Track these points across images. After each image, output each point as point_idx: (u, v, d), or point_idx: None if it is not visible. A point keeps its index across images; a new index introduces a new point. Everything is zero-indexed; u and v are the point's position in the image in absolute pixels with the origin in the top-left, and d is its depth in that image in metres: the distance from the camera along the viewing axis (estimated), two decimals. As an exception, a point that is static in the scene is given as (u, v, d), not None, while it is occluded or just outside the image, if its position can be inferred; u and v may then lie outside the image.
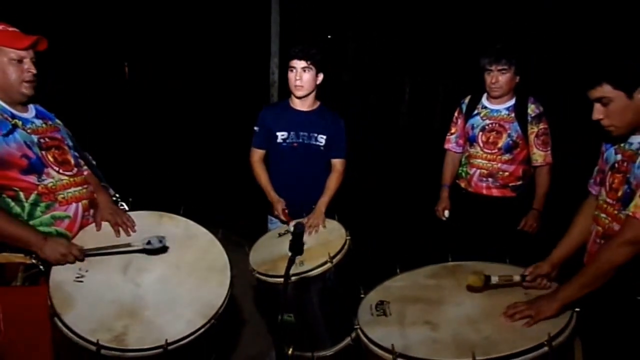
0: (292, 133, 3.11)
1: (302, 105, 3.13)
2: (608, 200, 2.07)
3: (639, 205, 1.83)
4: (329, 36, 9.64)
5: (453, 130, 3.58)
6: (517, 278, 2.07)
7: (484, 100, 3.40)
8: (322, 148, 3.12)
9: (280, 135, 3.11)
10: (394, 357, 1.75)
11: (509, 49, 3.21)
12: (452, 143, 3.59)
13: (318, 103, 3.18)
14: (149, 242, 2.17)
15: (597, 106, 1.97)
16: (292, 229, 2.41)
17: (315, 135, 3.11)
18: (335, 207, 3.05)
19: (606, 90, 1.92)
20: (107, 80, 9.38)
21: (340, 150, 3.16)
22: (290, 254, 2.06)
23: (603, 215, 2.09)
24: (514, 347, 1.67)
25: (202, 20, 8.96)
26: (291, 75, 3.02)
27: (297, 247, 2.11)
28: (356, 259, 2.64)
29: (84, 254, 2.17)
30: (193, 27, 8.97)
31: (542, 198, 3.32)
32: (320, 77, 3.07)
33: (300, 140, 3.11)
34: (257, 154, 3.18)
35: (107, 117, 8.22)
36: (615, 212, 2.00)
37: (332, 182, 3.10)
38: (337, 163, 3.15)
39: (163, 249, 2.24)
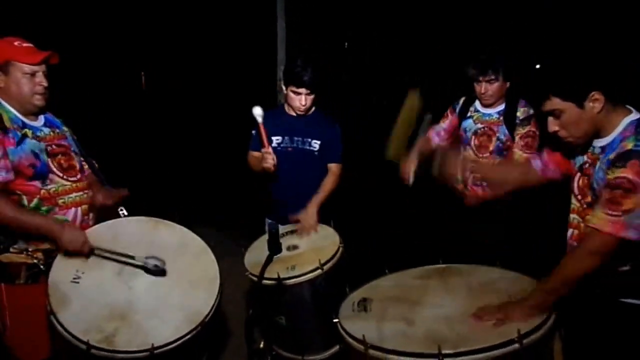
0: (286, 138, 3.16)
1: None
2: (579, 204, 2.08)
3: (601, 216, 1.81)
4: (345, 44, 9.69)
5: (440, 122, 3.56)
6: None
7: (477, 104, 3.41)
8: (316, 153, 3.15)
9: (275, 140, 3.15)
10: (366, 348, 1.79)
11: (494, 58, 3.22)
12: (433, 132, 3.52)
13: (313, 108, 3.21)
14: (154, 265, 2.25)
15: (551, 119, 1.98)
16: (267, 228, 2.45)
17: (309, 140, 3.15)
18: (334, 207, 3.08)
19: (556, 103, 1.92)
20: (123, 87, 9.55)
21: (335, 154, 3.19)
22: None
23: (578, 217, 2.10)
24: (483, 342, 1.70)
25: (209, 29, 9.07)
26: (295, 98, 3.04)
27: (274, 246, 2.17)
28: (352, 261, 2.66)
29: (92, 251, 2.26)
30: (199, 35, 9.09)
31: None
32: None
33: (295, 145, 3.15)
34: (254, 157, 3.22)
35: (114, 119, 8.34)
36: (588, 216, 2.00)
37: (327, 184, 3.12)
38: (333, 167, 3.18)
39: (161, 272, 2.30)
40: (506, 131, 3.26)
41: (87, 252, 2.23)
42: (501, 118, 3.28)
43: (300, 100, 3.03)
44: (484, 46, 3.44)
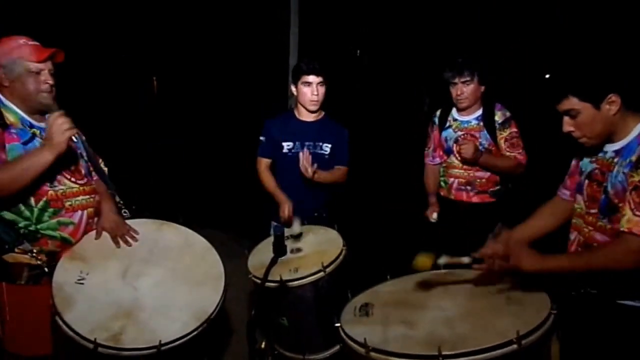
0: (297, 143, 3.20)
1: (307, 116, 3.22)
2: (588, 210, 2.08)
3: (633, 220, 1.82)
4: (357, 51, 9.76)
5: (429, 145, 3.68)
6: (465, 260, 2.09)
7: (454, 112, 3.49)
8: (326, 156, 3.21)
9: (286, 146, 3.20)
10: (367, 351, 1.81)
11: (470, 61, 3.30)
12: (429, 157, 3.70)
13: (322, 113, 3.27)
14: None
15: (566, 119, 2.00)
16: (272, 231, 2.47)
17: (320, 144, 3.20)
18: (337, 211, 3.13)
19: (573, 102, 1.94)
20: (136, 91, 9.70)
21: (343, 158, 3.26)
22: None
23: (580, 220, 2.11)
24: (482, 342, 1.71)
25: (222, 35, 9.18)
26: (307, 90, 3.09)
27: (279, 248, 2.19)
28: (354, 265, 2.67)
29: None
30: (212, 42, 9.20)
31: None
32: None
33: (306, 149, 3.18)
34: (264, 163, 3.28)
35: (125, 122, 8.47)
36: (596, 221, 2.02)
37: (335, 172, 3.21)
38: (341, 169, 3.26)
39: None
40: (488, 136, 3.33)
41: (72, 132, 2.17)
42: (481, 124, 3.35)
43: (312, 90, 3.08)
44: (490, 54, 3.47)
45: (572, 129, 2.00)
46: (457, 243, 3.25)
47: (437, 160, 3.64)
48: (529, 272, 1.87)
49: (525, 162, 3.33)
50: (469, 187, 3.42)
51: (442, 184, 3.58)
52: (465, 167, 3.40)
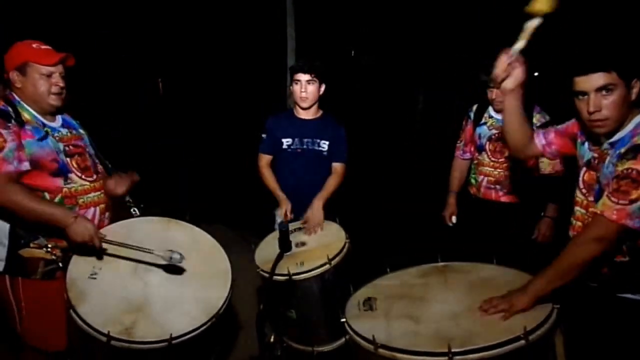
0: (296, 140, 3.28)
1: (306, 114, 3.30)
2: (584, 197, 2.12)
3: (607, 204, 1.86)
4: (352, 52, 9.84)
5: (461, 138, 3.67)
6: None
7: (491, 110, 3.45)
8: (324, 153, 3.28)
9: (286, 142, 3.28)
10: (375, 348, 1.81)
11: None
12: (459, 150, 3.69)
13: (321, 111, 3.35)
14: (170, 258, 2.24)
15: (596, 97, 1.91)
16: (277, 227, 2.51)
17: (318, 141, 3.27)
18: (339, 204, 3.17)
19: (613, 77, 1.88)
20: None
21: (340, 154, 3.30)
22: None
23: (583, 210, 2.13)
24: (490, 339, 1.72)
25: (223, 39, 9.28)
26: (296, 88, 3.20)
27: (284, 244, 2.23)
28: (356, 260, 2.71)
29: (102, 244, 2.28)
30: (214, 45, 9.29)
31: (554, 206, 3.33)
32: (323, 87, 3.25)
33: (305, 146, 3.27)
34: (264, 159, 3.34)
35: (133, 123, 8.54)
36: (592, 208, 2.05)
37: (331, 182, 3.23)
38: (338, 166, 3.29)
39: (178, 268, 2.34)
40: None
41: (97, 245, 2.24)
42: None
43: (301, 88, 3.17)
44: (490, 53, 3.47)
45: (600, 108, 1.91)
46: (478, 242, 3.26)
47: (468, 155, 3.63)
48: (531, 303, 1.87)
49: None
50: (498, 186, 3.38)
51: (472, 181, 3.56)
52: (496, 165, 3.38)
